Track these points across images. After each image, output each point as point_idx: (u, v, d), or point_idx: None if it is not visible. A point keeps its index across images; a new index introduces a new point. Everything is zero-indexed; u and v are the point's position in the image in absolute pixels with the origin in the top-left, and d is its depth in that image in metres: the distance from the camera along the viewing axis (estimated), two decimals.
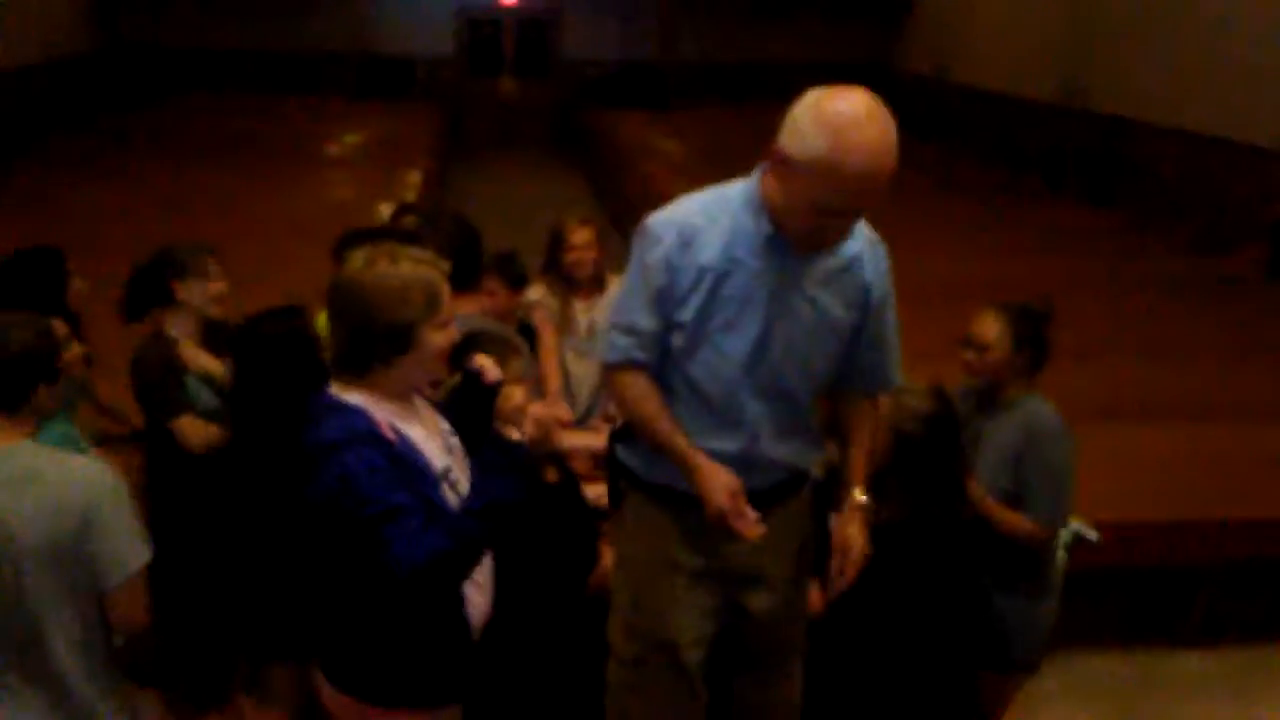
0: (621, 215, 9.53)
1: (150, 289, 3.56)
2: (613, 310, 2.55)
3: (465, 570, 2.26)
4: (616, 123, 13.46)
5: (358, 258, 2.26)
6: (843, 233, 2.33)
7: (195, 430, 3.49)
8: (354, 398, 2.26)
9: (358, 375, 2.28)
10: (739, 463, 2.44)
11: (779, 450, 2.54)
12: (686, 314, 2.39)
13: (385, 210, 7.43)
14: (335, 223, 3.70)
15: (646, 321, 2.42)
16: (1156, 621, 4.54)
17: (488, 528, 2.21)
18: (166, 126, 11.70)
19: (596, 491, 3.19)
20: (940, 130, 13.18)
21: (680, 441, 2.43)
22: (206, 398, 3.56)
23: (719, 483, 2.34)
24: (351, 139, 11.58)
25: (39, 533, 2.25)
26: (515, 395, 2.71)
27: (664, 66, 16.12)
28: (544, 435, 2.70)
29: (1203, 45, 8.54)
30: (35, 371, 2.38)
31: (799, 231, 2.32)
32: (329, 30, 15.58)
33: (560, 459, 3.19)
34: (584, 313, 4.46)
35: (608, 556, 3.00)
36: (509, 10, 16.97)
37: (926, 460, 2.81)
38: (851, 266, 2.47)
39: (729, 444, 2.47)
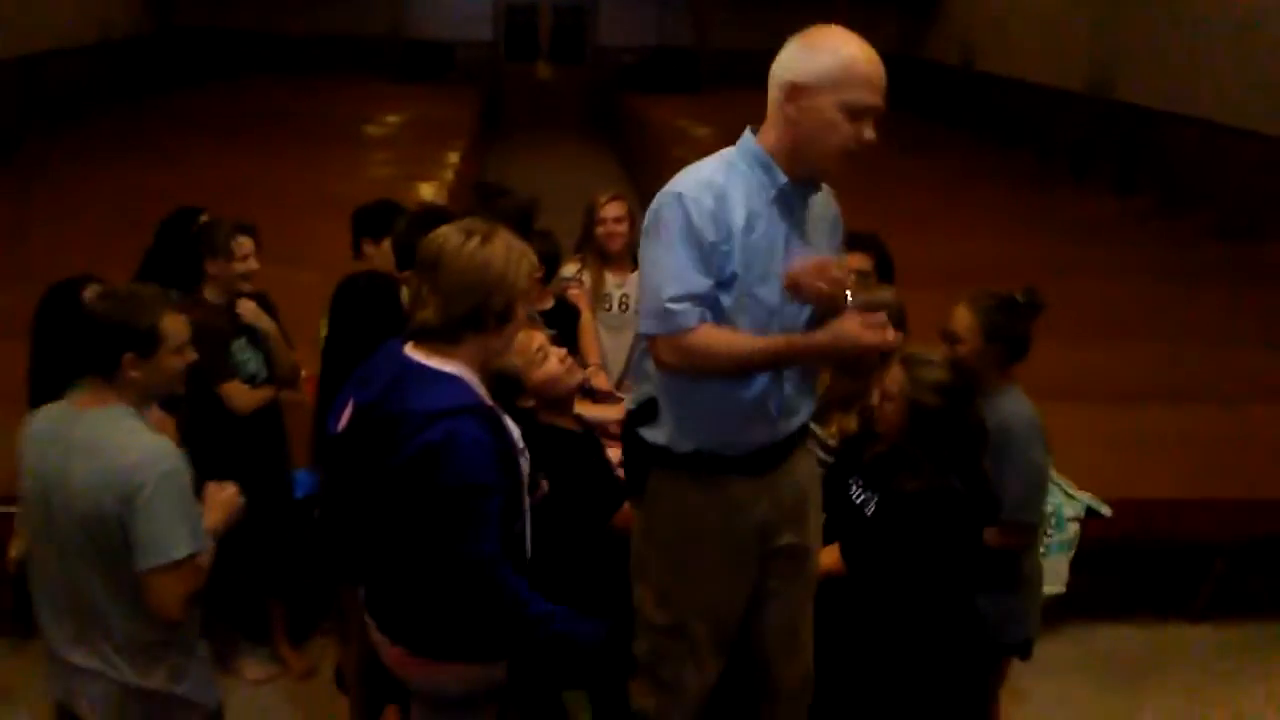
0: (653, 196, 9.56)
1: (182, 263, 3.63)
2: (658, 288, 2.43)
3: (495, 602, 2.30)
4: (649, 107, 13.48)
5: (460, 233, 2.29)
6: (870, 137, 2.43)
7: (242, 394, 3.64)
8: (446, 365, 2.30)
9: (452, 343, 2.30)
10: (775, 408, 2.56)
11: (799, 392, 2.65)
12: (732, 267, 2.42)
13: (426, 191, 7.55)
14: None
15: (701, 282, 2.40)
16: (1167, 596, 4.62)
17: (535, 636, 2.29)
18: (208, 107, 11.79)
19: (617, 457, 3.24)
20: (968, 119, 13.18)
21: (789, 340, 2.46)
22: (250, 363, 3.71)
23: (849, 329, 2.37)
24: (391, 120, 11.60)
25: (85, 501, 2.32)
26: (537, 337, 2.78)
27: (697, 52, 16.17)
28: (567, 373, 2.74)
29: (1230, 37, 8.49)
30: (120, 339, 2.35)
31: (832, 151, 2.43)
32: (370, 15, 15.77)
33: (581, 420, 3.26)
34: (616, 287, 4.55)
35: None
36: None
37: (945, 431, 2.82)
38: (834, 220, 2.67)
39: (763, 388, 2.55)
